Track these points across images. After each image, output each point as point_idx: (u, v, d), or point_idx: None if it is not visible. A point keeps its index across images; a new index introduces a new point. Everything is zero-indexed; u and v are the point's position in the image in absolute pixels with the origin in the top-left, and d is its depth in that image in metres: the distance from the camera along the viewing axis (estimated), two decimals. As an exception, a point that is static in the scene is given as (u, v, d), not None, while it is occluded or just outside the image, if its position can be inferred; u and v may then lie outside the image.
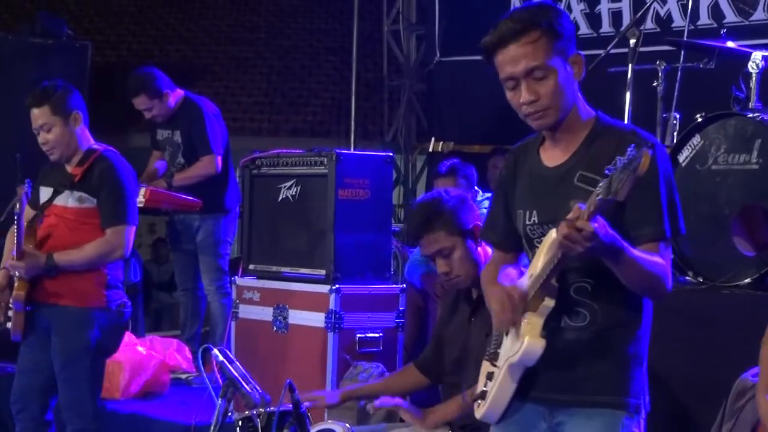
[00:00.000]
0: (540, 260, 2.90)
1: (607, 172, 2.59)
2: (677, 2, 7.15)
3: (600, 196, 2.60)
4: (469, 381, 4.09)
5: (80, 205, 4.91)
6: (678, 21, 7.15)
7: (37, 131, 4.98)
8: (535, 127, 3.01)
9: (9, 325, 4.96)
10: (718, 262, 5.02)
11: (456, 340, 4.23)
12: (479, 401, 3.12)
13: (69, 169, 5.01)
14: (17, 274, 4.87)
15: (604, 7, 7.63)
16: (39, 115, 4.95)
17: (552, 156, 3.03)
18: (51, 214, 4.96)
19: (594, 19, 7.69)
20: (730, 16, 6.91)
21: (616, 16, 7.57)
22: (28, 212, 5.17)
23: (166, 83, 6.88)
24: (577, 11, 7.87)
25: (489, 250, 4.20)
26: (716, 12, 6.99)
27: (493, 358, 3.09)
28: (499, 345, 3.08)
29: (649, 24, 7.19)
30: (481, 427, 4.00)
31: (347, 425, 4.16)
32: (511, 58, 2.91)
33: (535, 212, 3.02)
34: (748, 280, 4.92)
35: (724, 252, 4.99)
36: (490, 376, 3.09)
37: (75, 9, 14.92)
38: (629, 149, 2.57)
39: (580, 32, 7.78)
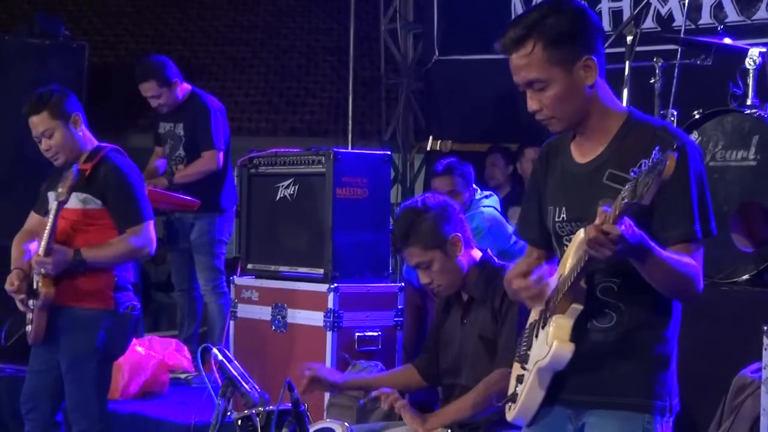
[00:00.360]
0: (569, 260, 2.87)
1: (632, 174, 2.56)
2: (679, 1, 7.14)
3: (626, 200, 2.57)
4: (465, 382, 4.10)
5: (84, 206, 4.88)
6: (679, 20, 7.13)
7: (39, 139, 4.95)
8: (551, 131, 3.02)
9: (29, 328, 4.92)
10: (717, 258, 5.01)
11: (450, 342, 4.24)
12: (510, 404, 3.09)
13: None
14: (43, 271, 4.79)
15: (604, 6, 7.61)
16: (39, 122, 4.92)
17: (583, 152, 2.99)
18: (60, 217, 4.93)
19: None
20: (732, 15, 6.90)
21: (617, 15, 7.56)
22: (32, 218, 5.16)
23: (175, 73, 6.90)
24: (578, 11, 7.85)
25: (476, 253, 4.21)
26: (718, 11, 6.98)
27: (524, 360, 3.06)
28: (529, 347, 3.05)
29: (650, 23, 7.18)
30: (480, 427, 4.02)
31: (346, 424, 4.17)
32: (513, 67, 2.91)
33: (564, 209, 2.99)
34: (746, 277, 4.93)
35: (723, 248, 4.98)
36: (520, 379, 3.06)
37: (73, 9, 14.92)
38: (654, 151, 2.53)
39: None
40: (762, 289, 4.84)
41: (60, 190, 4.73)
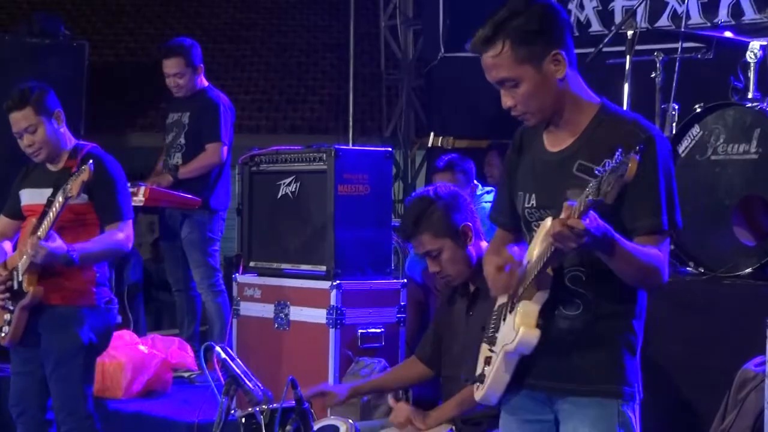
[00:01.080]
0: (536, 248, 2.94)
1: (597, 172, 2.65)
2: (697, 0, 7.12)
3: (590, 197, 2.65)
4: (466, 374, 4.10)
5: (71, 201, 4.86)
6: (695, 18, 7.12)
7: (20, 135, 4.94)
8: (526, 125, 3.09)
9: (5, 329, 4.90)
10: (719, 252, 5.02)
11: (454, 334, 4.24)
12: (477, 384, 3.18)
13: (55, 167, 4.99)
14: (31, 252, 4.70)
15: (617, 5, 7.60)
16: (21, 118, 4.91)
17: (554, 141, 3.06)
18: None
19: (606, 16, 7.65)
20: (749, 13, 6.88)
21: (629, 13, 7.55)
22: (1, 221, 5.14)
23: (200, 59, 6.91)
24: (590, 8, 7.83)
25: (485, 245, 4.21)
26: (736, 10, 6.96)
27: (491, 342, 3.14)
28: (497, 329, 3.13)
29: (665, 22, 7.17)
30: (483, 422, 4.02)
31: (350, 421, 4.17)
32: (484, 66, 2.99)
33: (533, 196, 3.06)
34: (748, 270, 4.92)
35: (725, 242, 4.99)
36: (488, 361, 3.14)
37: (72, 9, 14.92)
38: (617, 153, 2.61)
39: (591, 29, 7.74)
40: (764, 283, 4.83)
41: (69, 186, 4.68)
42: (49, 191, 4.84)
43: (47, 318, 4.90)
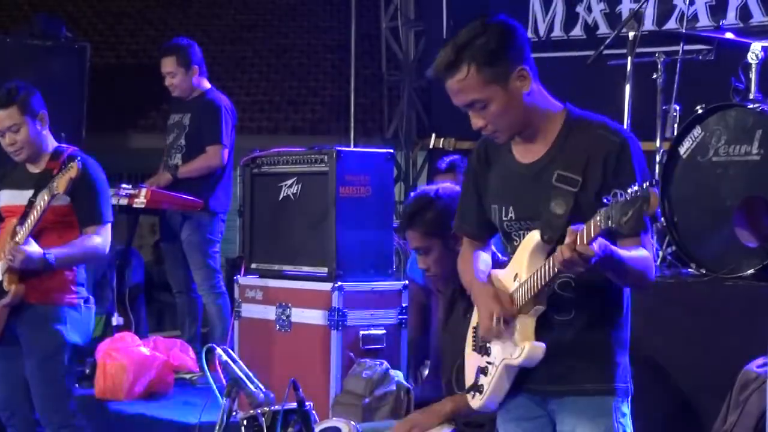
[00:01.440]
0: (525, 264, 3.00)
1: (605, 201, 2.69)
2: (705, 3, 7.11)
3: (602, 226, 2.70)
4: (456, 379, 4.10)
5: (53, 202, 4.84)
6: (704, 21, 7.11)
7: (2, 133, 4.95)
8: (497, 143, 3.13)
9: None
10: (721, 253, 5.01)
11: (454, 335, 4.23)
12: (474, 393, 3.20)
13: (36, 169, 4.99)
14: (10, 258, 4.74)
15: (625, 7, 7.58)
16: (6, 117, 4.92)
17: (525, 152, 3.09)
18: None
19: (614, 19, 7.64)
20: (757, 16, 6.88)
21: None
22: None
23: (198, 60, 6.92)
24: (597, 11, 7.84)
25: None
26: (744, 12, 6.96)
27: (483, 352, 3.17)
28: (488, 339, 3.16)
29: (673, 24, 7.17)
30: (485, 424, 4.01)
31: (352, 422, 4.17)
32: (450, 91, 3.03)
33: (511, 208, 3.10)
34: (750, 271, 4.91)
35: (727, 243, 4.98)
36: (483, 371, 3.18)
37: (73, 10, 14.91)
38: (631, 188, 2.64)
39: (599, 32, 7.74)
40: (766, 284, 4.83)
41: (55, 183, 4.71)
42: (29, 192, 4.87)
43: (28, 317, 4.92)
